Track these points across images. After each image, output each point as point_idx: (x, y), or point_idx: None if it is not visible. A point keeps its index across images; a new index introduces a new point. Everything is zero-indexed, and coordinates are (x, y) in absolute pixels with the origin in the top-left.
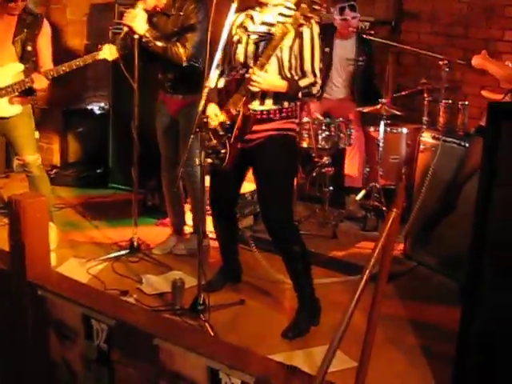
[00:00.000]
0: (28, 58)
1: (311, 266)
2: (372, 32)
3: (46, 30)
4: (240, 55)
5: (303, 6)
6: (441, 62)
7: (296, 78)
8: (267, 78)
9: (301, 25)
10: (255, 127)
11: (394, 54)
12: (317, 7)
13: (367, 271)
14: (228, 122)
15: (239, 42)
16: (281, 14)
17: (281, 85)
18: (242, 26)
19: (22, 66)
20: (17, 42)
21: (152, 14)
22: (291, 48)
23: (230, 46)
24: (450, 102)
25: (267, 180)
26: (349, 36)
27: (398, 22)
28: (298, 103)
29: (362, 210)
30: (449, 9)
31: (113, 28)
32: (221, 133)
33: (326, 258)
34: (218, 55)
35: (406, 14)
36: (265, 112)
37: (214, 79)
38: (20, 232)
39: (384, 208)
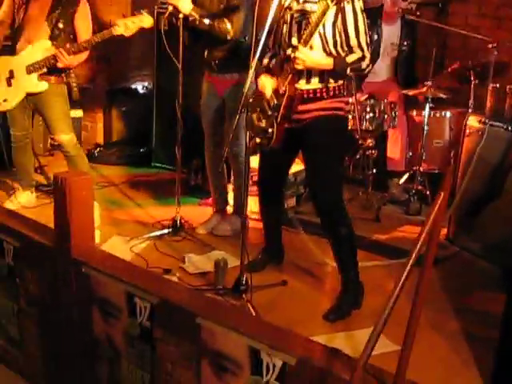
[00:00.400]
0: (57, 36)
1: (356, 248)
2: (418, 13)
3: (82, 9)
4: (285, 35)
5: None
6: (489, 45)
7: (343, 54)
8: (312, 55)
9: (343, 0)
10: (303, 107)
11: (440, 36)
12: None
13: (414, 255)
14: (275, 102)
15: (284, 21)
16: None
17: (326, 62)
18: (288, 7)
19: (49, 43)
20: (50, 20)
21: None
22: (334, 24)
23: (278, 27)
24: (498, 85)
25: (317, 160)
26: (395, 19)
27: (445, 4)
28: (346, 81)
29: (405, 193)
30: None
31: (158, 7)
32: (269, 112)
33: (369, 241)
34: (264, 35)
35: None
36: (311, 91)
37: (267, 59)
38: (65, 209)
39: (427, 192)
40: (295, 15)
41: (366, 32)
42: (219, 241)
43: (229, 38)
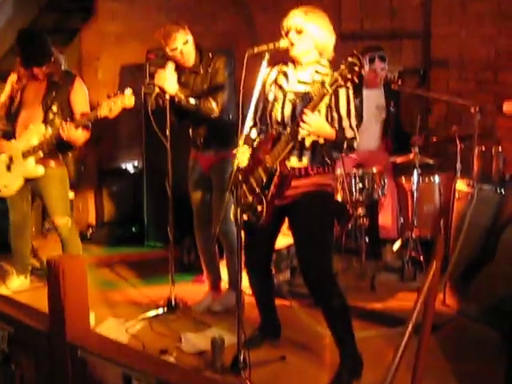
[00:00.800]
0: (52, 120)
1: (351, 320)
2: (400, 83)
3: (78, 87)
4: (277, 114)
5: (342, 66)
6: (472, 109)
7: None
8: (318, 120)
9: (341, 86)
10: (292, 183)
11: (424, 102)
12: (356, 68)
13: (410, 326)
14: (264, 179)
15: (275, 100)
16: (317, 72)
17: (330, 131)
18: (277, 84)
19: (43, 127)
20: (44, 104)
21: (180, 73)
22: (328, 106)
23: (265, 102)
24: (483, 148)
25: (305, 236)
26: (377, 84)
27: (427, 70)
28: (335, 159)
29: (399, 260)
30: (477, 54)
31: (144, 88)
32: (257, 190)
33: (365, 310)
34: (251, 111)
35: (434, 62)
36: (303, 168)
37: (254, 136)
38: (59, 293)
39: (421, 258)
40: (288, 96)
41: (355, 116)
42: (215, 318)
43: (214, 116)
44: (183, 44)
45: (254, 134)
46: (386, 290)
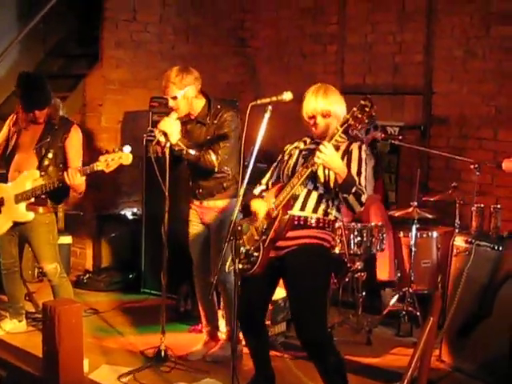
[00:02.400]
0: (46, 166)
1: (346, 376)
2: (400, 137)
3: (74, 134)
4: (289, 167)
5: (354, 108)
6: (471, 166)
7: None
8: (334, 152)
9: (351, 126)
10: (290, 233)
11: (423, 157)
12: (367, 109)
13: (405, 381)
14: (265, 226)
15: (290, 158)
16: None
17: (343, 167)
18: (295, 147)
19: (37, 173)
20: (38, 149)
21: (186, 122)
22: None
23: (281, 165)
24: (482, 205)
25: (298, 290)
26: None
27: (427, 127)
28: (338, 218)
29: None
30: (477, 112)
31: (147, 135)
32: (256, 237)
33: (361, 365)
34: (252, 163)
35: (434, 119)
36: (303, 218)
37: (258, 192)
38: (54, 338)
39: (418, 313)
40: (303, 152)
41: (366, 178)
42: (211, 367)
43: (212, 169)
44: (171, 99)
45: (257, 191)
46: (382, 345)
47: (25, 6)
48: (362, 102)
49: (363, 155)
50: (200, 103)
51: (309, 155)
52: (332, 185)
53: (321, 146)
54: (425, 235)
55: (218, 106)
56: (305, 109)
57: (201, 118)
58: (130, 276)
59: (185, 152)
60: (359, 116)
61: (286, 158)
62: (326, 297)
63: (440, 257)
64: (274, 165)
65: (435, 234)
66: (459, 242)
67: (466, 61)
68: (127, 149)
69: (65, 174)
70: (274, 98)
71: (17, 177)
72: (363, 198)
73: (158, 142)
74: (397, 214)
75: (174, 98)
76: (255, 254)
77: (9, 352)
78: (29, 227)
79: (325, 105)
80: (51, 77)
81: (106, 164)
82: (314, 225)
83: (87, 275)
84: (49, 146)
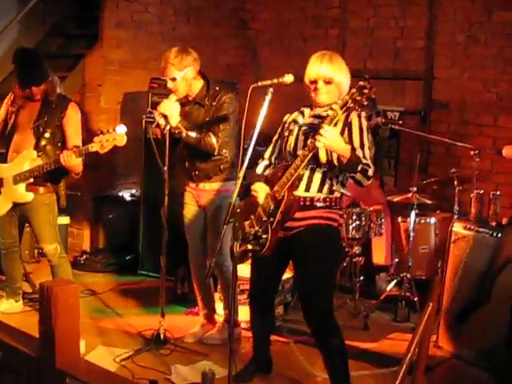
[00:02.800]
0: (44, 146)
1: (348, 360)
2: (401, 122)
3: (71, 112)
4: (290, 145)
5: (353, 90)
6: (471, 152)
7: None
8: (335, 133)
9: (349, 112)
10: (298, 214)
11: (424, 143)
12: (366, 91)
13: (404, 366)
14: (272, 207)
15: (290, 133)
16: (331, 109)
17: (345, 147)
18: (293, 120)
19: (34, 153)
20: (35, 129)
21: (184, 103)
22: (341, 135)
23: (282, 140)
24: (482, 191)
25: (307, 271)
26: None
27: (428, 112)
28: (344, 194)
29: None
30: (478, 98)
31: (146, 116)
32: (264, 218)
33: (358, 349)
34: (252, 145)
35: (435, 104)
36: (308, 199)
37: (261, 169)
38: (50, 318)
39: (415, 299)
40: (303, 127)
41: (370, 148)
42: (208, 350)
43: (215, 153)
44: (170, 80)
45: (260, 169)
46: (379, 330)
47: None
48: (361, 83)
49: (364, 123)
50: (198, 84)
51: (309, 131)
52: (336, 163)
53: (321, 130)
54: (423, 221)
55: (217, 88)
56: (307, 73)
57: (199, 99)
58: (127, 257)
59: (185, 135)
60: (358, 98)
61: (285, 133)
62: (333, 278)
63: (438, 243)
64: (275, 138)
65: (434, 219)
66: (458, 228)
67: (468, 46)
68: (121, 129)
69: (60, 155)
70: (275, 80)
71: (15, 157)
72: (370, 172)
73: (158, 125)
74: (396, 199)
75: (173, 79)
76: (264, 236)
77: (5, 332)
78: (29, 207)
79: (328, 71)
80: (50, 56)
81: (100, 145)
82: (320, 205)
83: (84, 256)
84: (46, 125)
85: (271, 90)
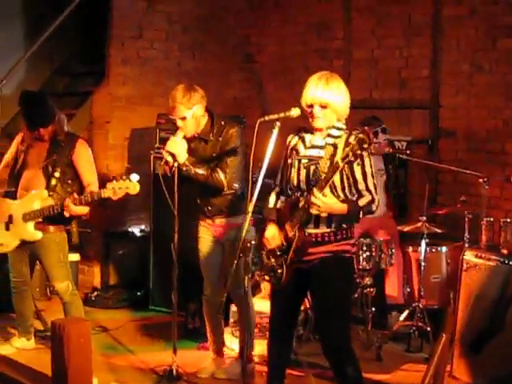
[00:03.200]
0: (54, 186)
1: None
2: (408, 152)
3: (80, 149)
4: (294, 179)
5: (353, 143)
6: (480, 180)
7: (354, 198)
8: (327, 201)
9: (352, 162)
10: (311, 250)
11: (432, 171)
12: (366, 145)
13: None
14: (284, 244)
15: (292, 165)
16: (329, 135)
17: (340, 207)
18: (295, 149)
19: (45, 193)
20: (45, 168)
21: (189, 139)
22: (342, 171)
23: (286, 167)
24: (491, 219)
25: (323, 303)
26: (378, 154)
27: (435, 141)
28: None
29: (406, 328)
30: (484, 125)
31: (154, 152)
32: (278, 253)
33: (372, 381)
34: (261, 178)
35: (442, 133)
36: (319, 235)
37: (273, 200)
38: (63, 356)
39: (428, 328)
40: (303, 161)
41: (372, 175)
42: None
43: (225, 189)
44: (180, 119)
45: (272, 200)
46: (392, 361)
47: (31, 26)
48: (360, 136)
49: (366, 162)
50: (204, 120)
51: (309, 164)
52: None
53: (312, 199)
54: (434, 250)
55: (222, 123)
56: (304, 96)
57: (203, 134)
58: (138, 293)
59: (193, 172)
60: (358, 152)
61: (289, 161)
62: (350, 306)
63: (450, 271)
64: (282, 163)
65: (444, 248)
66: (469, 256)
67: (473, 74)
68: (135, 177)
69: (65, 204)
70: (282, 114)
71: (24, 195)
72: (374, 206)
73: (166, 162)
74: (406, 228)
75: (183, 118)
76: (279, 270)
77: (17, 370)
78: (39, 246)
79: (324, 95)
80: (57, 95)
81: (113, 192)
82: (332, 239)
83: (95, 293)
84: (55, 164)
85: (278, 124)
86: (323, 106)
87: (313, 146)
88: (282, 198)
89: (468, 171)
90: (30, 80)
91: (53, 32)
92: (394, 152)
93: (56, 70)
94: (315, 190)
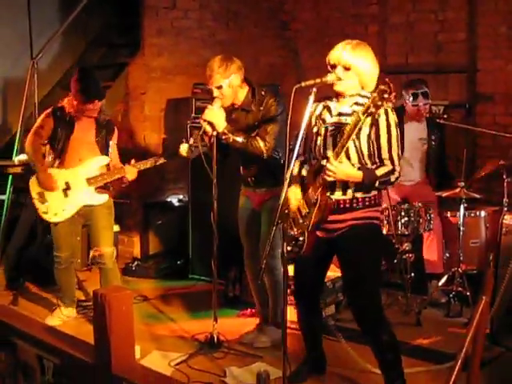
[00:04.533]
0: (109, 153)
1: (401, 356)
2: (445, 116)
3: (116, 133)
4: (319, 146)
5: (373, 94)
6: None
7: (373, 166)
8: (341, 167)
9: (373, 113)
10: (336, 217)
11: (470, 136)
12: (386, 95)
13: (459, 361)
14: (306, 210)
15: (318, 133)
16: (356, 104)
17: (356, 175)
18: (321, 118)
19: (107, 159)
20: (99, 141)
21: (231, 110)
22: (369, 136)
23: (310, 136)
24: None
25: (354, 271)
26: (420, 120)
27: (473, 105)
28: (382, 191)
29: (445, 295)
30: None
31: (190, 122)
32: (300, 220)
33: (411, 346)
34: (298, 146)
35: (479, 97)
36: (347, 201)
37: (296, 167)
38: (105, 326)
39: (468, 293)
40: (330, 128)
41: (398, 146)
42: (262, 352)
43: (262, 156)
44: (216, 88)
45: (296, 169)
46: (431, 326)
47: None
48: (381, 87)
49: (392, 122)
50: (243, 91)
51: (336, 132)
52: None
53: (327, 165)
54: (473, 215)
55: (262, 93)
56: (328, 56)
57: (245, 105)
58: (178, 262)
59: (231, 140)
60: (379, 103)
61: (314, 129)
62: (380, 276)
63: (489, 236)
64: (305, 133)
65: (483, 213)
66: (509, 220)
67: (510, 37)
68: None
69: (126, 169)
70: (318, 80)
71: (78, 164)
72: (393, 177)
73: (205, 132)
74: (444, 194)
75: (220, 87)
76: (300, 238)
77: (61, 340)
78: (94, 210)
79: (349, 57)
80: (93, 67)
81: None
82: (360, 206)
83: (135, 262)
84: (107, 137)
85: (315, 89)
86: (346, 68)
87: (340, 114)
88: (306, 167)
89: (506, 134)
90: (65, 53)
91: (87, 4)
92: (431, 116)
93: (91, 42)
94: (331, 156)
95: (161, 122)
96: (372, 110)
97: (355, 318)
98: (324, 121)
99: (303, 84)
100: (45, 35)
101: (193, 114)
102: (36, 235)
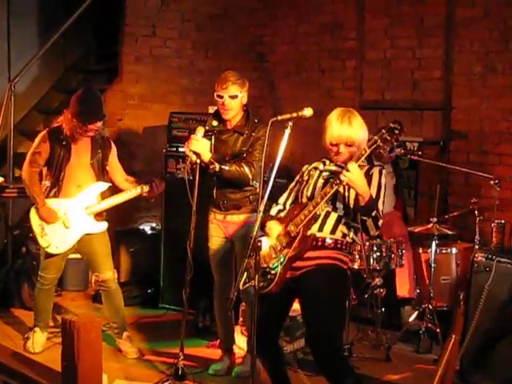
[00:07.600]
0: (106, 177)
1: None
2: (420, 153)
3: (114, 149)
4: (308, 189)
5: (383, 131)
6: (491, 182)
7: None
8: (360, 173)
9: (380, 147)
10: (307, 254)
11: (443, 173)
12: (396, 132)
13: None
14: (284, 243)
15: (310, 177)
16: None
17: (367, 188)
18: (314, 167)
19: (106, 185)
20: (94, 164)
21: (222, 131)
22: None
23: (300, 185)
24: (503, 221)
25: (314, 313)
26: (388, 160)
27: (447, 142)
28: (355, 240)
29: (418, 323)
30: (496, 127)
31: (166, 151)
32: (273, 255)
33: (380, 382)
34: (272, 177)
35: (454, 134)
36: (320, 239)
37: (275, 211)
38: (73, 353)
39: (438, 330)
40: (324, 173)
41: (383, 202)
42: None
43: (249, 183)
44: (229, 97)
45: (274, 211)
46: (401, 362)
47: (45, 23)
48: (392, 125)
49: (383, 180)
50: (240, 114)
51: (329, 176)
52: (352, 204)
53: (348, 165)
54: (444, 251)
55: (256, 121)
56: (328, 136)
57: (238, 128)
58: (149, 291)
59: (218, 169)
60: (388, 138)
61: (305, 178)
62: (341, 319)
63: (460, 273)
64: (292, 185)
65: (455, 249)
66: (479, 258)
67: (486, 76)
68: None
69: (157, 183)
70: (294, 114)
71: (76, 191)
72: (380, 223)
73: (191, 162)
74: (416, 229)
75: (234, 96)
76: (272, 272)
77: (27, 366)
78: (94, 237)
79: (350, 134)
80: (71, 92)
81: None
82: (331, 246)
83: None
84: (103, 159)
85: (291, 123)
86: (349, 145)
87: (336, 165)
88: (284, 214)
89: (479, 173)
90: (43, 77)
91: (66, 29)
92: (405, 153)
93: (69, 67)
94: (351, 162)
95: (137, 149)
96: (380, 143)
97: (315, 361)
98: (317, 168)
99: (279, 117)
100: (23, 59)
101: (167, 145)
102: (6, 260)
